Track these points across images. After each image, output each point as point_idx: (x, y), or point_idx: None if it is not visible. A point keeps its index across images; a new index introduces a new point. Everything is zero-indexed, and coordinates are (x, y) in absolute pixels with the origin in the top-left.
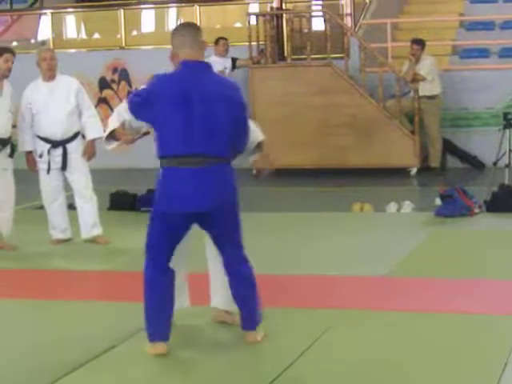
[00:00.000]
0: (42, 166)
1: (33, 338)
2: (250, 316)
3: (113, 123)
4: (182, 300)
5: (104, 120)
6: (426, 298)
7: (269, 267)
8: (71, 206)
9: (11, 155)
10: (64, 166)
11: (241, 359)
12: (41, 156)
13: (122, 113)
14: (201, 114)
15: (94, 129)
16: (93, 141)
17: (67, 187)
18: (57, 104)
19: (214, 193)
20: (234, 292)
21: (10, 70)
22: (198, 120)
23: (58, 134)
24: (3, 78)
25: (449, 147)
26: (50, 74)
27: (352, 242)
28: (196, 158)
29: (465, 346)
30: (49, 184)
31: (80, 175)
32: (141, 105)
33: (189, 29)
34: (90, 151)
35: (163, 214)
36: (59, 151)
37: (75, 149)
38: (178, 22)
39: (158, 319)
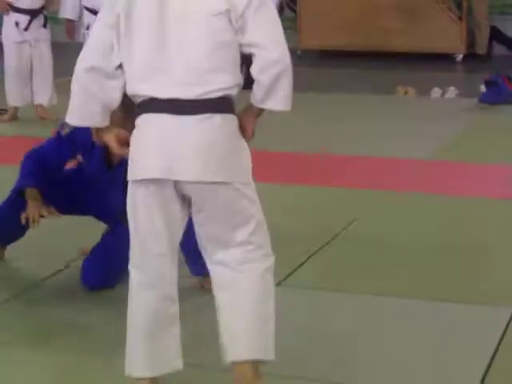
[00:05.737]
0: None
1: None
2: None
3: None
4: None
5: None
6: (465, 182)
7: (309, 146)
8: None
9: (44, 25)
10: None
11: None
12: (87, 28)
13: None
14: None
15: None
16: None
17: None
18: None
19: None
20: None
21: None
22: None
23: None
24: None
25: (496, 34)
26: None
27: (394, 125)
28: None
29: (496, 231)
30: None
31: None
32: None
33: None
34: None
35: None
36: None
37: None
38: None
39: None
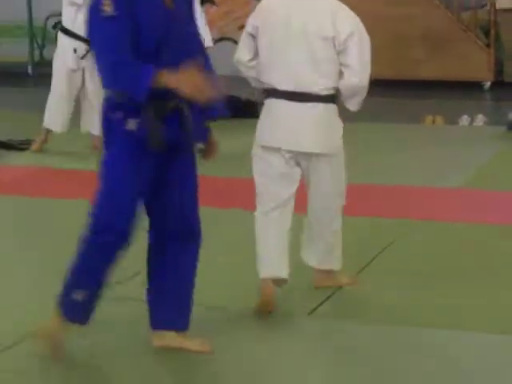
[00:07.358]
0: None
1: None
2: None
3: None
4: None
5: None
6: (500, 210)
7: None
8: None
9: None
10: None
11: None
12: None
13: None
14: None
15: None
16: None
17: None
18: None
19: None
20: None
21: None
22: None
23: None
24: None
25: None
26: None
27: (424, 154)
28: None
29: None
30: None
31: None
32: None
33: None
34: None
35: None
36: None
37: None
38: None
39: None
